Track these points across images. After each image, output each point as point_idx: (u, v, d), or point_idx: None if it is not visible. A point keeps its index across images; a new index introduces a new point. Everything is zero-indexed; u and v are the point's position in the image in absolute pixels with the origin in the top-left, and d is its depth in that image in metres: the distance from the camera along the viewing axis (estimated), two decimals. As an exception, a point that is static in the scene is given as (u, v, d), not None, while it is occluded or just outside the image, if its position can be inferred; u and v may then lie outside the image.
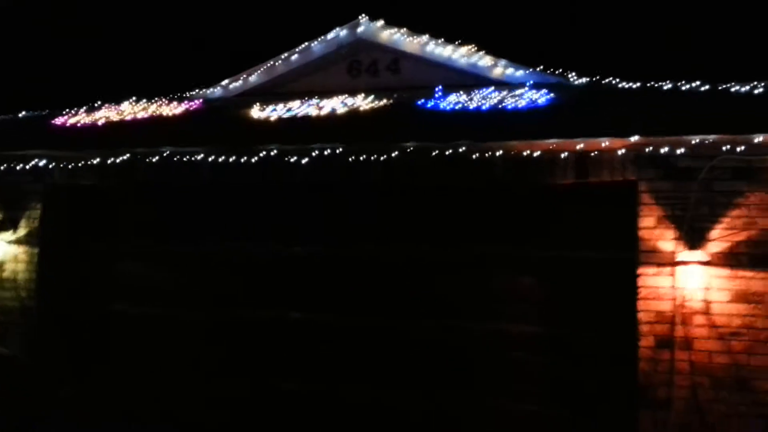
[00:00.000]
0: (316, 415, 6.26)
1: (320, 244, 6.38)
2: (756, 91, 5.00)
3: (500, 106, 5.68)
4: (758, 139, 4.75)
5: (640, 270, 5.39)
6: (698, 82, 5.35)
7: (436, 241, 6.13)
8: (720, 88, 5.28)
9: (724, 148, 4.97)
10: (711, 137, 4.81)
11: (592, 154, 5.34)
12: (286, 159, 6.03)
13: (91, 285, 7.04)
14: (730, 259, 5.20)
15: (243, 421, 6.41)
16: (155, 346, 6.72)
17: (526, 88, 6.31)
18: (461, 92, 6.35)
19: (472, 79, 6.93)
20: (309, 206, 6.46)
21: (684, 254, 5.25)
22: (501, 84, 6.75)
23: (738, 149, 4.95)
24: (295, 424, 6.28)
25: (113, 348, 6.87)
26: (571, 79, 6.76)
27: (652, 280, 5.37)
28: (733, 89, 5.17)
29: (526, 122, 5.39)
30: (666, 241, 5.35)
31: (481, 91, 6.35)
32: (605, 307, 5.68)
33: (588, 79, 6.64)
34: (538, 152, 5.39)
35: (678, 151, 5.09)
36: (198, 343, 6.61)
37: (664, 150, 5.12)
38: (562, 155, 5.39)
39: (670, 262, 5.31)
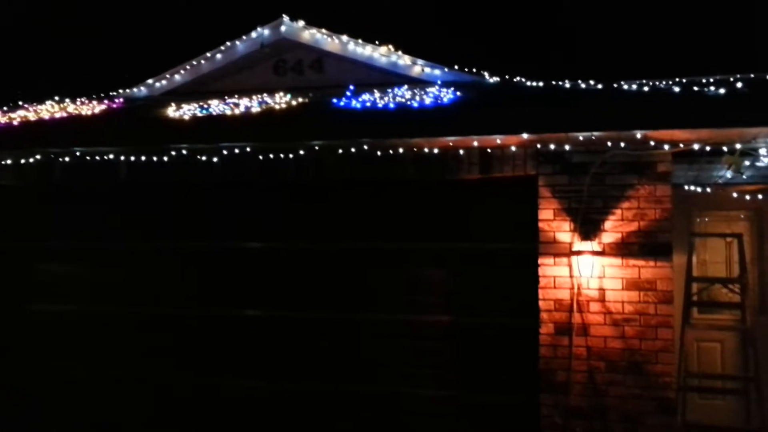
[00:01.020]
0: (219, 409, 6.38)
1: (238, 241, 6.48)
2: (644, 89, 5.27)
3: (407, 104, 5.86)
4: (639, 134, 5.01)
5: (540, 260, 5.63)
6: (593, 82, 5.60)
7: (350, 237, 6.28)
8: (614, 86, 5.54)
9: (609, 144, 5.22)
10: (596, 133, 5.06)
11: (489, 150, 5.56)
12: (198, 158, 6.12)
13: (8, 284, 7.01)
14: (622, 248, 5.48)
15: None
16: (75, 345, 6.74)
17: (437, 87, 6.51)
18: (375, 91, 6.51)
19: (394, 78, 7.10)
20: (227, 205, 6.56)
21: (579, 245, 5.50)
22: (418, 82, 6.93)
23: (621, 144, 5.21)
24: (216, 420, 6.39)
25: (31, 347, 6.85)
26: (484, 79, 6.98)
27: (551, 270, 5.62)
28: (624, 87, 5.43)
29: (429, 120, 5.57)
30: (563, 232, 5.59)
31: (394, 90, 6.52)
32: (510, 296, 5.91)
33: (498, 79, 6.87)
34: (437, 149, 5.58)
35: (566, 147, 5.34)
36: (116, 339, 6.66)
37: (553, 146, 5.37)
38: (461, 151, 5.60)
39: (567, 252, 5.56)
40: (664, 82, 5.37)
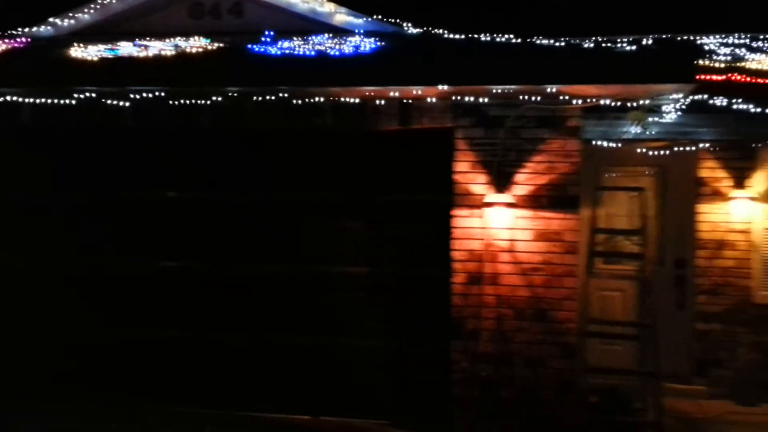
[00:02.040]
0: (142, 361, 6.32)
1: (153, 190, 6.31)
2: (559, 45, 5.39)
3: (327, 53, 5.78)
4: (552, 89, 5.14)
5: (454, 212, 5.75)
6: (511, 36, 5.68)
7: (269, 187, 6.22)
8: (530, 41, 5.63)
9: (522, 98, 5.34)
10: (512, 87, 5.15)
11: (408, 101, 5.59)
12: (106, 102, 5.88)
13: None
14: (533, 201, 5.65)
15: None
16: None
17: (358, 36, 6.43)
18: (295, 38, 6.37)
19: (315, 26, 6.93)
20: (140, 152, 6.35)
21: (493, 197, 5.64)
22: (339, 31, 6.82)
23: (534, 98, 5.34)
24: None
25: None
26: (406, 29, 6.94)
27: (464, 221, 5.75)
28: (538, 42, 5.53)
29: (349, 69, 5.53)
30: (478, 184, 5.72)
31: (315, 38, 6.40)
32: (426, 247, 6.02)
33: (420, 30, 6.84)
34: (356, 99, 5.56)
35: (482, 100, 5.42)
36: (25, 292, 6.43)
37: (470, 99, 5.44)
38: (380, 102, 5.60)
39: (480, 204, 5.70)
40: (578, 40, 5.51)
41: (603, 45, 5.07)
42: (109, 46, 6.47)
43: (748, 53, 8.18)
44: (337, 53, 5.78)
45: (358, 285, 6.12)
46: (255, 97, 5.59)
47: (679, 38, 8.29)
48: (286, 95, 5.50)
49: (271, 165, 6.23)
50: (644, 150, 6.61)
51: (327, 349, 6.12)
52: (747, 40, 8.92)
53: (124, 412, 6.05)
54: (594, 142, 5.99)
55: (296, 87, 5.41)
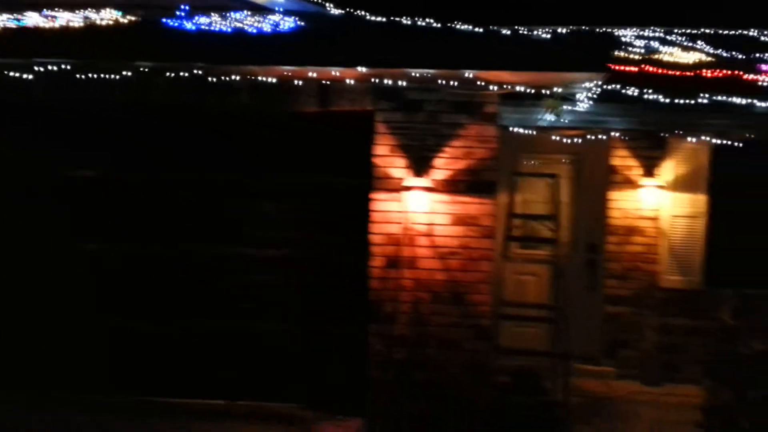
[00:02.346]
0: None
1: (59, 168, 6.05)
2: (476, 30, 5.42)
3: (245, 30, 5.63)
4: (469, 74, 5.18)
5: (374, 195, 5.74)
6: (432, 20, 5.68)
7: (183, 166, 6.05)
8: (450, 26, 5.62)
9: (440, 82, 5.36)
10: (430, 71, 5.16)
11: (327, 83, 5.52)
12: (9, 74, 5.56)
13: None
14: (451, 185, 5.70)
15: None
16: None
17: (278, 14, 6.29)
18: (212, 13, 6.17)
19: (234, 2, 6.70)
20: (50, 128, 6.05)
21: (411, 181, 5.66)
22: (259, 8, 6.64)
23: (452, 83, 5.37)
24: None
25: None
26: (328, 10, 6.84)
27: (383, 205, 5.74)
28: (458, 27, 5.55)
29: (266, 47, 5.41)
30: (397, 168, 5.72)
31: (233, 14, 6.22)
32: (345, 230, 5.99)
33: (341, 11, 6.76)
34: (274, 78, 5.46)
35: (401, 83, 5.42)
36: None
37: (390, 82, 5.43)
38: (299, 83, 5.51)
39: (399, 188, 5.70)
40: (496, 27, 5.56)
41: (521, 33, 5.13)
42: (14, 15, 6.12)
43: (661, 46, 8.49)
44: (255, 31, 5.65)
45: (277, 268, 6.05)
46: (168, 73, 5.40)
47: (596, 30, 8.51)
48: (200, 72, 5.33)
49: (185, 144, 6.05)
50: (559, 138, 6.77)
51: (244, 333, 6.03)
52: (661, 33, 9.25)
53: (36, 401, 5.79)
54: (511, 129, 6.09)
55: (211, 64, 5.26)
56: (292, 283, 6.06)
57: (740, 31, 9.51)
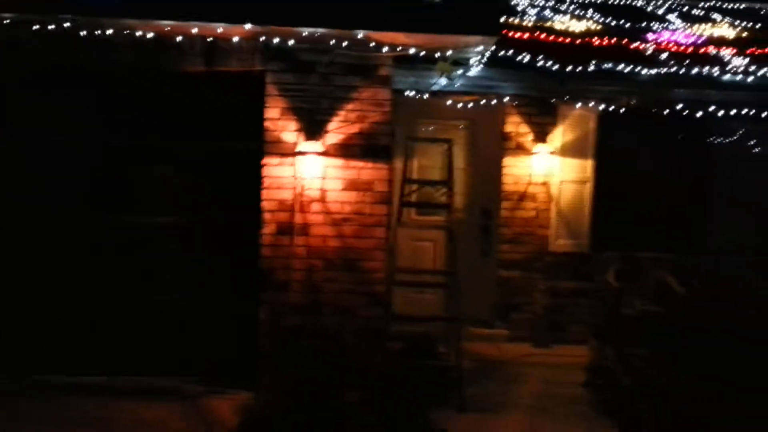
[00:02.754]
0: None
1: None
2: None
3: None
4: (360, 34, 5.02)
5: (265, 160, 5.53)
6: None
7: (64, 130, 5.62)
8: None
9: (332, 42, 5.18)
10: (320, 30, 4.97)
11: (213, 40, 5.23)
12: None
13: None
14: (344, 150, 5.56)
15: None
16: None
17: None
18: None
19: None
20: None
21: (304, 145, 5.48)
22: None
23: (344, 44, 5.21)
24: None
25: None
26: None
27: (275, 170, 5.54)
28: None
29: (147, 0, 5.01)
30: (289, 132, 5.52)
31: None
32: (239, 197, 5.76)
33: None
34: (154, 34, 5.11)
35: (291, 43, 5.21)
36: None
37: (279, 41, 5.21)
38: (182, 39, 5.19)
39: (291, 152, 5.51)
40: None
41: (414, -6, 5.02)
42: None
43: (554, 14, 8.62)
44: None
45: (167, 236, 5.75)
46: (34, 26, 4.94)
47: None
48: (68, 24, 4.90)
49: (65, 106, 5.61)
50: (452, 103, 6.76)
51: (132, 306, 5.71)
52: (552, 2, 9.40)
53: None
54: (407, 93, 6.00)
55: (84, 16, 4.83)
56: (183, 253, 5.79)
57: (629, 1, 9.82)
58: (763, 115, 6.97)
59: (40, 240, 5.68)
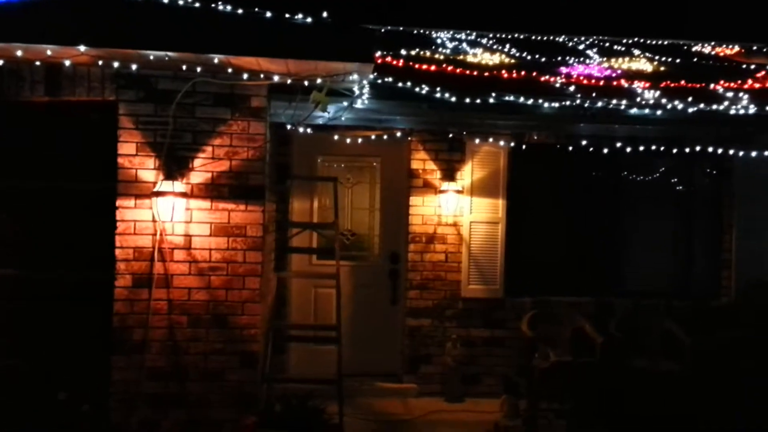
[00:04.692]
0: None
1: None
2: (236, 12, 4.65)
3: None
4: (216, 59, 4.42)
5: (119, 202, 4.85)
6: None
7: None
8: (200, 6, 4.76)
9: (185, 68, 4.57)
10: (170, 54, 4.34)
11: (54, 66, 4.57)
12: None
13: None
14: (211, 190, 4.93)
15: None
16: None
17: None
18: None
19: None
20: None
21: (164, 185, 4.81)
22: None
23: (199, 69, 4.60)
24: None
25: None
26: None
27: (131, 213, 4.87)
28: (216, 7, 4.75)
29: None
30: (147, 170, 4.86)
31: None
32: (86, 245, 5.04)
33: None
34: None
35: (133, 67, 4.57)
36: None
37: (133, 67, 4.57)
38: (20, 66, 4.52)
39: (150, 193, 4.84)
40: (257, 9, 4.85)
41: (282, 15, 4.45)
42: None
43: (471, 48, 8.25)
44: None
45: (3, 291, 4.96)
46: None
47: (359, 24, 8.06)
48: None
49: None
50: (354, 138, 6.21)
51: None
52: (474, 36, 9.07)
53: None
54: (289, 127, 5.40)
55: None
56: (23, 310, 5.01)
57: (551, 38, 9.55)
58: (674, 150, 6.58)
59: None
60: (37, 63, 4.62)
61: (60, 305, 5.02)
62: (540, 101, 5.89)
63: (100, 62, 4.50)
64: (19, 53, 4.32)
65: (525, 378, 6.02)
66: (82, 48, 4.20)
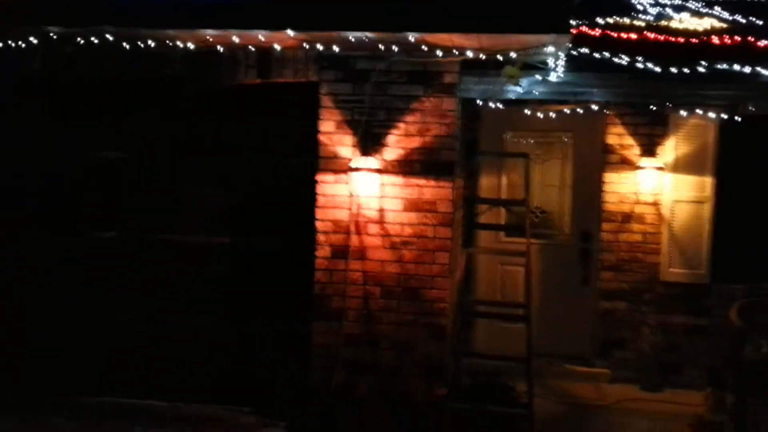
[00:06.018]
0: None
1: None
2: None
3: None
4: (411, 37, 4.49)
5: (319, 177, 5.14)
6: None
7: (108, 146, 5.56)
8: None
9: (382, 47, 4.68)
10: (368, 34, 4.48)
11: (265, 51, 4.92)
12: None
13: None
14: (404, 166, 5.05)
15: None
16: None
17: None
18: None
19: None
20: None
21: (360, 161, 5.02)
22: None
23: (395, 48, 4.70)
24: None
25: None
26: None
27: (330, 188, 5.14)
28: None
29: (182, 8, 4.71)
30: (344, 146, 5.10)
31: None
32: (291, 216, 5.40)
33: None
34: (193, 44, 4.87)
35: (335, 48, 4.77)
36: None
37: (335, 49, 4.80)
38: (231, 51, 4.92)
39: (347, 169, 5.08)
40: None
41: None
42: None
43: (673, 12, 7.64)
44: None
45: (215, 257, 5.51)
46: (79, 40, 4.87)
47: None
48: (111, 37, 4.77)
49: (107, 120, 5.53)
50: (546, 113, 6.04)
51: (178, 331, 5.50)
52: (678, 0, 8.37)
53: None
54: (479, 102, 5.37)
55: (122, 27, 4.66)
56: (233, 274, 5.51)
57: (769, -3, 8.56)
58: None
59: (90, 254, 5.60)
60: (251, 48, 5.00)
61: (265, 272, 5.43)
62: (758, 69, 5.32)
63: (306, 45, 4.77)
64: (235, 39, 4.72)
65: (732, 370, 5.54)
66: (290, 32, 4.48)
